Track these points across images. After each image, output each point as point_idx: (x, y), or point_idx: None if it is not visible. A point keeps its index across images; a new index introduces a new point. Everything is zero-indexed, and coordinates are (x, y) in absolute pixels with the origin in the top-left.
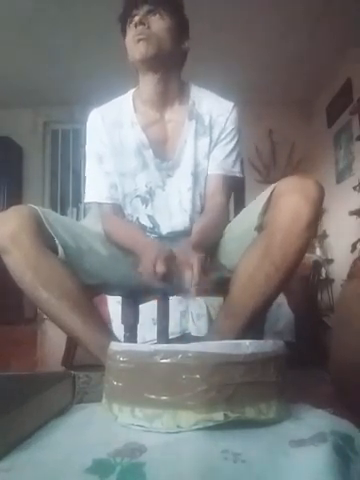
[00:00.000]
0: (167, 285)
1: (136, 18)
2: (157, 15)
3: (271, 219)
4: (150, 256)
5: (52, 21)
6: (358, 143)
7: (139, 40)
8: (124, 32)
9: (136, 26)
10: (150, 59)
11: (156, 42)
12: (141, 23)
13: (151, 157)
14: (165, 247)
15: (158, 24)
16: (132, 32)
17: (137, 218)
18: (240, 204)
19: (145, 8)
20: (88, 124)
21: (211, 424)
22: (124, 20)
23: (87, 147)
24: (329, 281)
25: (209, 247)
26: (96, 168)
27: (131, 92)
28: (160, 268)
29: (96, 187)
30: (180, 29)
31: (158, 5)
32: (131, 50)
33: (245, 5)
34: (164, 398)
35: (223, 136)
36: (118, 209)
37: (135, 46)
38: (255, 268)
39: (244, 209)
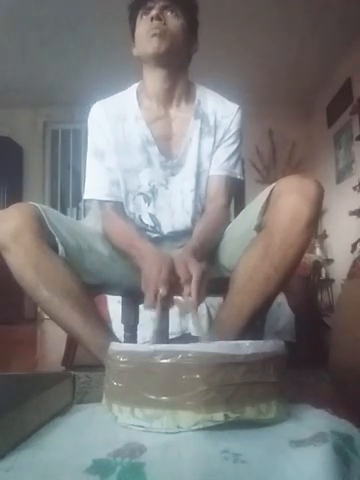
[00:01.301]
0: (169, 303)
1: (153, 12)
2: (173, 12)
3: (270, 219)
4: (152, 273)
5: (53, 21)
6: (358, 143)
7: (154, 35)
8: (133, 21)
9: (152, 20)
10: (162, 55)
11: (170, 39)
12: (158, 18)
13: (156, 154)
14: (165, 259)
15: (173, 21)
16: (146, 25)
17: (139, 216)
18: (240, 205)
19: (161, 2)
20: (90, 118)
21: (211, 424)
22: (135, 9)
23: (89, 142)
24: (329, 281)
25: (209, 251)
26: (97, 164)
27: (134, 86)
28: (163, 291)
29: (97, 184)
30: (192, 30)
31: (175, 1)
32: (143, 44)
33: (245, 5)
34: (164, 398)
35: (226, 137)
36: (119, 207)
37: (149, 40)
38: (255, 268)
39: (244, 209)
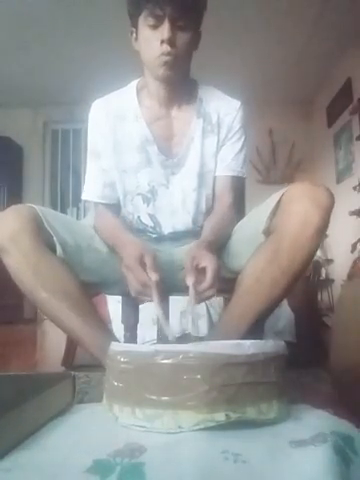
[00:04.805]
0: (161, 293)
1: (165, 34)
2: (183, 23)
3: (280, 224)
4: (130, 259)
5: (52, 21)
6: (358, 143)
7: (165, 63)
8: (135, 18)
9: (162, 43)
10: (171, 77)
11: (179, 63)
12: (170, 43)
13: (155, 153)
14: (147, 247)
15: (183, 38)
16: (156, 46)
17: (138, 217)
18: (240, 205)
19: (169, 9)
20: (90, 115)
21: (212, 424)
22: (137, 7)
23: (88, 140)
24: (329, 281)
25: (220, 247)
26: (93, 165)
27: (134, 84)
28: (155, 276)
29: (91, 185)
30: (198, 38)
31: (185, 11)
32: (151, 62)
33: (246, 5)
34: (165, 398)
35: (230, 135)
36: (113, 209)
37: (159, 66)
38: (262, 271)
39: (251, 211)
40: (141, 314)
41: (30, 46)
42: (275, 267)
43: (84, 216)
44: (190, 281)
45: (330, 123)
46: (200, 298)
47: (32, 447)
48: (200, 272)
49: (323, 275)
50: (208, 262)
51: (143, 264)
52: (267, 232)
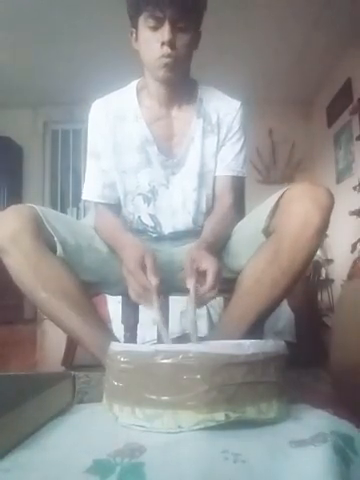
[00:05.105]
0: (161, 297)
1: (165, 35)
2: (183, 25)
3: (280, 224)
4: (130, 262)
5: (52, 21)
6: (358, 143)
7: (165, 65)
8: (134, 18)
9: (162, 45)
10: (171, 78)
11: (179, 65)
12: (170, 45)
13: (155, 153)
14: (147, 249)
15: (183, 40)
16: (157, 47)
17: (139, 217)
18: (240, 204)
19: (169, 11)
20: (90, 115)
21: (212, 424)
22: (137, 9)
23: (88, 141)
24: (329, 281)
25: (220, 248)
26: (93, 165)
27: (134, 84)
28: (155, 281)
29: (91, 185)
30: (198, 37)
31: (185, 12)
32: (151, 64)
33: (246, 5)
34: (165, 398)
35: (230, 135)
36: (113, 209)
37: (159, 68)
38: (262, 272)
39: (251, 212)
40: (141, 314)
41: (30, 46)
42: (275, 268)
43: (84, 216)
44: (190, 284)
45: (330, 123)
46: (201, 301)
47: (32, 447)
48: (200, 274)
49: (323, 275)
50: (209, 264)
51: (144, 267)
52: (266, 231)
